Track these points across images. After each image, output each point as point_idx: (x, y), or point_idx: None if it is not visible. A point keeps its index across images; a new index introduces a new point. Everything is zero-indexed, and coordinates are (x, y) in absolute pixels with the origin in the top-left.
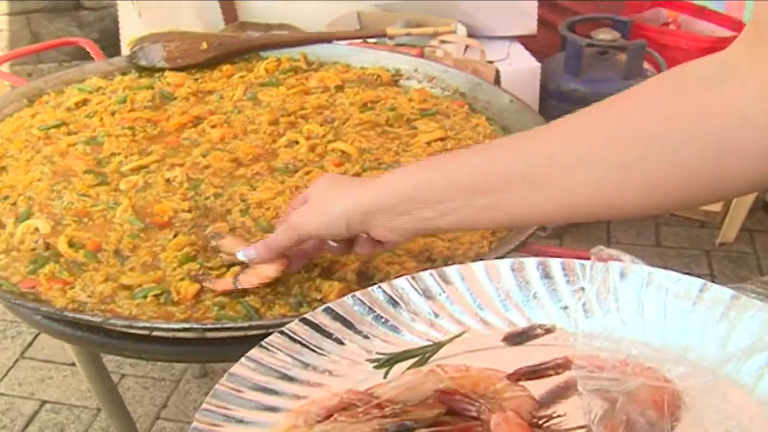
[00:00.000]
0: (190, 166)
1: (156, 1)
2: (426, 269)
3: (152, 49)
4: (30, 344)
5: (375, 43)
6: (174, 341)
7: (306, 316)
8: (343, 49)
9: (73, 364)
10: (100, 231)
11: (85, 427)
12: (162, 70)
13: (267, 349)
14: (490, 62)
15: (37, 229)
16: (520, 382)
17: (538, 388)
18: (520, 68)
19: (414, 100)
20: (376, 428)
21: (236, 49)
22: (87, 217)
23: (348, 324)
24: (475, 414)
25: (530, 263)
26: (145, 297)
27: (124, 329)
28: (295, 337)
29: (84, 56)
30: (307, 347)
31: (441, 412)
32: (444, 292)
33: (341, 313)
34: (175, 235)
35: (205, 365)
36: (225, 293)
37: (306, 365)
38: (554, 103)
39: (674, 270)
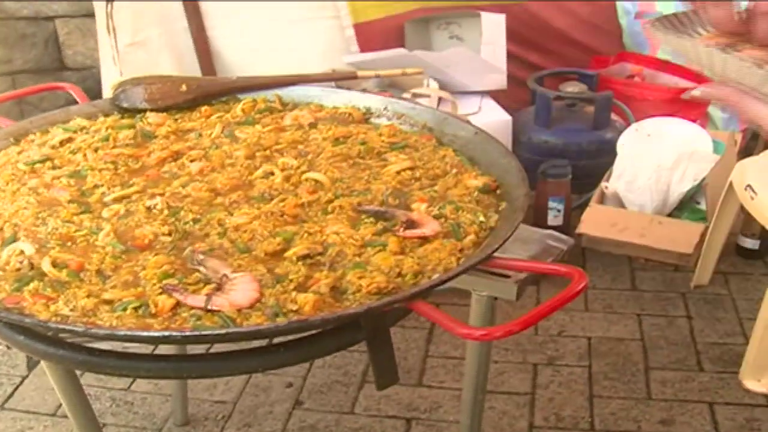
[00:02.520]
0: (170, 196)
1: (137, 61)
2: (396, 284)
3: (134, 92)
4: (11, 395)
5: None
6: (155, 357)
7: None
8: (317, 90)
9: (54, 414)
10: (83, 253)
11: None
12: (144, 111)
13: None
14: (464, 116)
15: (22, 252)
16: None
17: None
18: (493, 121)
19: (384, 135)
20: None
21: (215, 91)
22: (71, 241)
23: None
24: None
25: None
26: (124, 309)
27: (105, 348)
28: None
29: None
30: None
31: None
32: None
33: None
34: (155, 256)
35: (187, 413)
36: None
37: None
38: (526, 154)
39: (651, 312)
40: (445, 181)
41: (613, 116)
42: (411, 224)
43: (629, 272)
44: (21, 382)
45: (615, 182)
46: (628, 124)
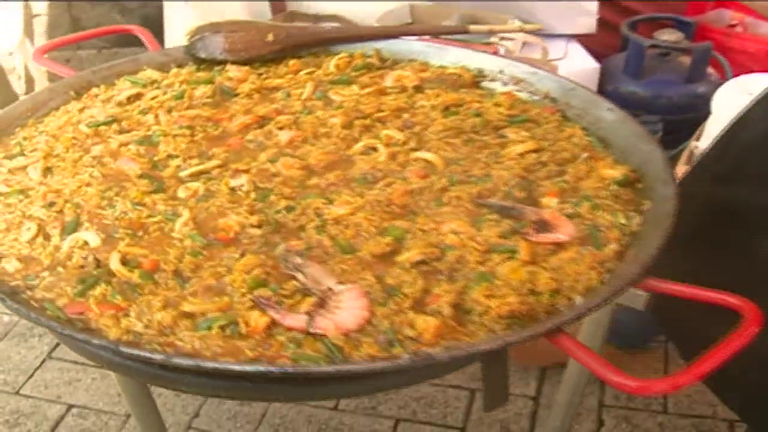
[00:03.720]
0: (257, 173)
1: None
2: (529, 305)
3: (213, 40)
4: (58, 344)
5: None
6: (240, 377)
7: None
8: (421, 45)
9: (102, 367)
10: (157, 246)
11: None
12: (223, 63)
13: None
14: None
15: (86, 243)
16: None
17: None
18: (579, 69)
19: (502, 105)
20: None
21: (305, 42)
22: (142, 229)
23: None
24: None
25: None
26: (209, 328)
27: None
28: None
29: (124, 42)
30: None
31: None
32: None
33: None
34: (243, 254)
35: None
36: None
37: None
38: None
39: None
40: (575, 168)
41: (709, 69)
42: (543, 226)
43: None
44: None
45: (706, 142)
46: (724, 78)
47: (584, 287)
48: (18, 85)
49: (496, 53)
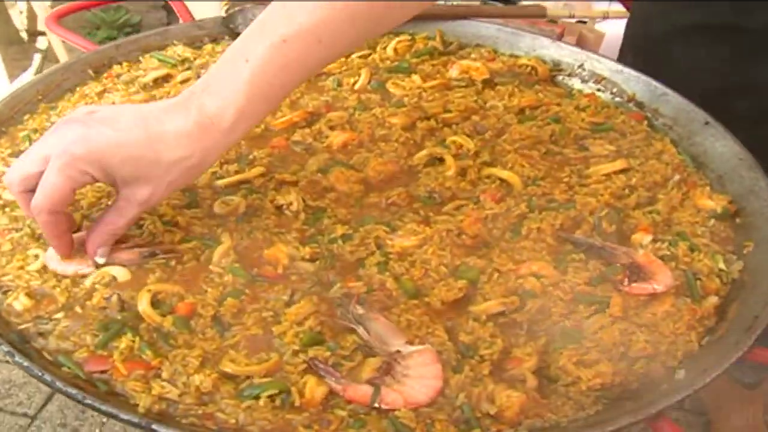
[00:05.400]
0: (307, 186)
1: None
2: (622, 377)
3: (254, 14)
4: None
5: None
6: None
7: None
8: (491, 29)
9: None
10: (192, 283)
11: None
12: None
13: None
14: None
15: (114, 279)
16: None
17: None
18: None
19: (584, 111)
20: None
21: None
22: (175, 258)
23: None
24: None
25: None
26: (256, 398)
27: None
28: None
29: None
30: None
31: None
32: None
33: None
34: (292, 295)
35: None
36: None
37: None
38: None
39: None
40: (668, 196)
41: None
42: (637, 272)
43: None
44: None
45: None
46: None
47: (683, 352)
48: (19, 20)
49: (562, 35)
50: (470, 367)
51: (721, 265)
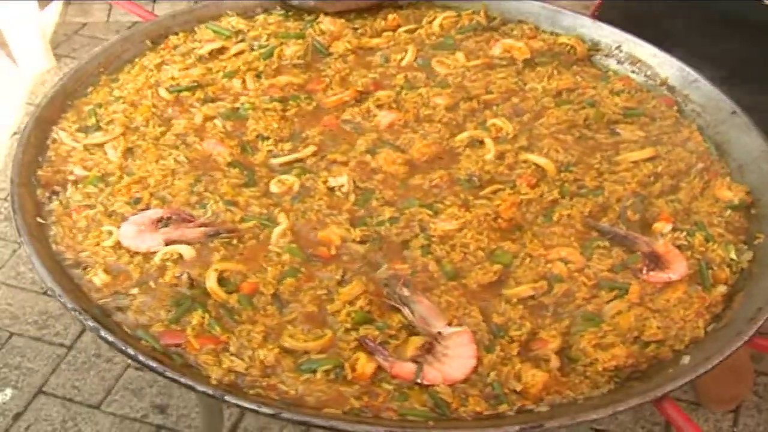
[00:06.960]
0: (356, 167)
1: None
2: (634, 359)
3: None
4: None
5: None
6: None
7: None
8: (535, 6)
9: None
10: (252, 261)
11: None
12: (315, 12)
13: None
14: None
15: (181, 257)
16: None
17: None
18: None
19: (618, 96)
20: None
21: None
22: (237, 237)
23: None
24: None
25: None
26: (313, 372)
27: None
28: None
29: None
30: None
31: None
32: None
33: None
34: (343, 276)
35: None
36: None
37: None
38: None
39: None
40: (690, 185)
41: None
42: (655, 261)
43: None
44: None
45: None
46: None
47: (690, 338)
48: None
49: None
50: (501, 347)
51: (732, 255)
